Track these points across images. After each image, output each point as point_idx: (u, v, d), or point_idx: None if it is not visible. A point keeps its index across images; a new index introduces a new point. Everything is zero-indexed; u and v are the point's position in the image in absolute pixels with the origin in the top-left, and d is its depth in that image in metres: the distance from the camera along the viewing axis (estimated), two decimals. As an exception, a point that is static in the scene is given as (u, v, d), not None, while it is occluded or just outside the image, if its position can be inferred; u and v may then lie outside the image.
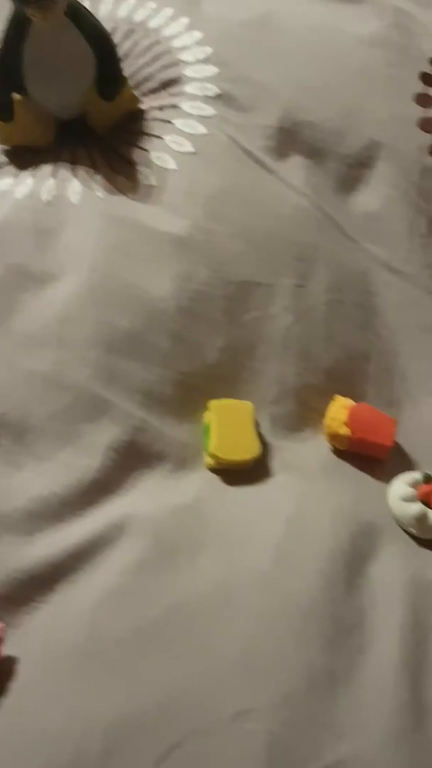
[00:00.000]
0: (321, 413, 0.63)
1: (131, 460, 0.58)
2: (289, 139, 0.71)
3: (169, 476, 0.59)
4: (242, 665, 0.48)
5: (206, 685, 0.47)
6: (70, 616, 0.50)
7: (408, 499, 0.57)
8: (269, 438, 0.62)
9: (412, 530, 0.57)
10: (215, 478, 0.59)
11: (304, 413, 0.64)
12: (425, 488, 0.58)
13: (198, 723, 0.45)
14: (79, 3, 0.68)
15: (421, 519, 0.57)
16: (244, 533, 0.55)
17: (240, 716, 0.45)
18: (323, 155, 0.72)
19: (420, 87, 0.74)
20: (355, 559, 0.54)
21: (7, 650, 0.49)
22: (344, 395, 0.64)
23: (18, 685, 0.47)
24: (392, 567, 0.55)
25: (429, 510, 0.57)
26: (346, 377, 0.65)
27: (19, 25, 0.66)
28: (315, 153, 0.72)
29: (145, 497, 0.57)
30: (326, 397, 0.64)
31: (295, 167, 0.71)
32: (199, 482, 0.59)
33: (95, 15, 0.71)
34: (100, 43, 0.68)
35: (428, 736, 0.47)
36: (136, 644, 0.49)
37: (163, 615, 0.50)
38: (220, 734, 0.45)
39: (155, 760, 0.44)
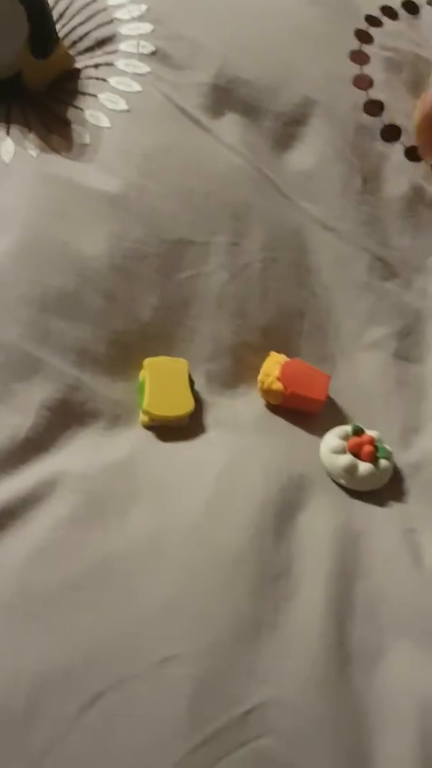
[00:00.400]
0: (256, 370, 0.63)
1: (64, 418, 0.58)
2: (224, 96, 0.71)
3: (102, 434, 0.59)
4: (169, 614, 0.49)
5: (132, 634, 0.47)
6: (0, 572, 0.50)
7: (338, 451, 0.58)
8: (204, 395, 0.62)
9: (343, 482, 0.58)
10: (149, 435, 0.59)
11: (239, 370, 0.64)
12: (355, 440, 0.59)
13: (123, 671, 0.46)
14: (8, -41, 0.66)
15: (350, 470, 0.57)
16: (176, 487, 0.55)
17: (165, 663, 0.46)
18: (258, 113, 0.71)
19: (355, 44, 0.74)
20: (284, 509, 0.55)
21: None
22: (279, 352, 0.64)
23: None
24: (321, 517, 0.55)
25: (359, 461, 0.58)
26: (281, 334, 0.66)
27: None
28: (250, 111, 0.71)
29: (78, 455, 0.57)
30: (261, 353, 0.64)
31: (230, 125, 0.71)
32: (133, 439, 0.59)
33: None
34: (32, 2, 0.67)
35: (350, 680, 0.48)
36: (64, 598, 0.49)
37: (92, 569, 0.50)
38: (144, 681, 0.45)
39: (79, 709, 0.44)
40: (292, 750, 0.44)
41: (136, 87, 0.70)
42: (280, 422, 0.62)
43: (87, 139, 0.68)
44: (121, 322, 0.62)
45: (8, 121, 0.69)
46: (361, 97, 0.73)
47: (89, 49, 0.73)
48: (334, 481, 0.58)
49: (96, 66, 0.72)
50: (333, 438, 0.59)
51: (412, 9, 0.78)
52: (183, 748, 0.43)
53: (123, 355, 0.62)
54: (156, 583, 0.50)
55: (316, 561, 0.53)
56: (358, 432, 0.60)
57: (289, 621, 0.49)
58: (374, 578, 0.53)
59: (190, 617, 0.49)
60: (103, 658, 0.46)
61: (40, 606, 0.49)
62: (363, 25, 0.75)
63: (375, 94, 0.73)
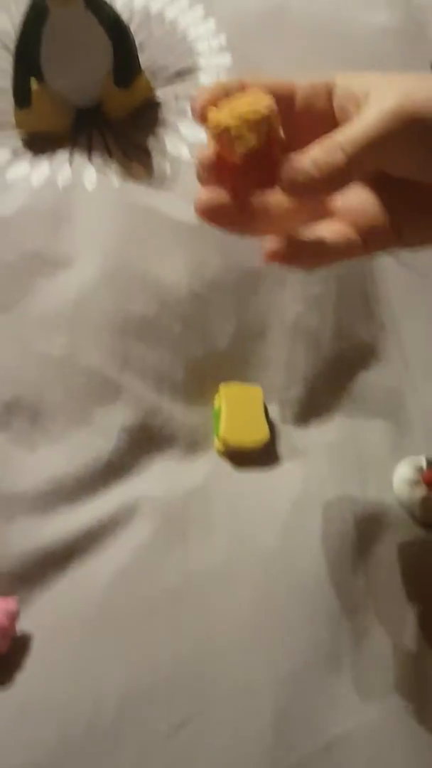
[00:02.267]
0: (329, 401, 0.64)
1: (143, 442, 0.60)
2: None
3: (179, 459, 0.61)
4: (249, 640, 0.50)
5: (214, 659, 0.49)
6: (83, 593, 0.52)
7: (413, 483, 0.59)
8: (278, 423, 0.63)
9: (416, 514, 0.58)
10: (224, 462, 0.61)
11: (312, 400, 0.65)
12: (430, 473, 0.59)
13: (206, 697, 0.47)
14: (97, -8, 0.68)
15: (425, 503, 0.58)
16: (252, 514, 0.57)
17: (247, 690, 0.47)
18: None
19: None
20: (360, 541, 0.56)
21: (22, 626, 0.50)
22: (349, 383, 0.65)
23: (32, 660, 0.49)
24: (396, 551, 0.56)
25: (433, 495, 0.58)
26: (352, 366, 0.66)
27: (37, 12, 0.66)
28: None
29: (157, 479, 0.59)
30: (334, 384, 0.65)
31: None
32: (209, 466, 0.60)
33: (112, 4, 0.72)
34: (117, 31, 0.69)
35: (430, 711, 0.48)
36: (146, 619, 0.50)
37: (173, 591, 0.52)
38: (227, 709, 0.47)
39: (166, 734, 0.45)
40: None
41: (216, 118, 0.71)
42: (352, 452, 0.62)
43: (167, 169, 0.70)
44: (199, 348, 0.63)
45: (90, 149, 0.71)
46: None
47: (169, 79, 0.75)
48: (408, 513, 0.59)
49: (176, 97, 0.74)
50: (406, 469, 0.60)
51: None
52: (266, 776, 0.44)
53: (199, 381, 0.63)
54: (235, 608, 0.51)
55: (392, 596, 0.53)
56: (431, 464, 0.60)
57: (368, 654, 0.50)
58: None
59: (269, 644, 0.50)
60: (186, 683, 0.48)
61: (122, 627, 0.50)
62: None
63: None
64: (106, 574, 0.53)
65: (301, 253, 0.40)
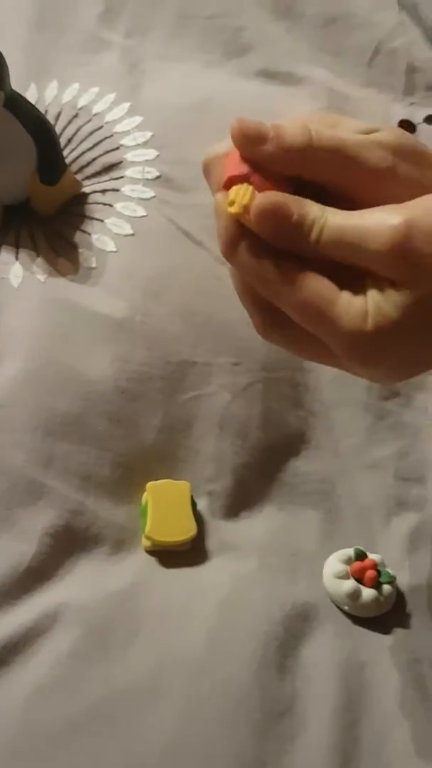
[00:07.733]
0: (259, 492, 0.64)
1: (67, 544, 0.59)
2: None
3: (106, 560, 0.59)
4: (171, 756, 0.48)
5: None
6: (2, 711, 0.50)
7: (341, 576, 0.58)
8: (207, 517, 0.63)
9: (346, 608, 0.58)
10: (152, 561, 0.60)
11: (240, 492, 0.64)
12: (358, 565, 0.59)
13: None
14: (18, 93, 0.70)
15: (354, 596, 0.57)
16: (178, 618, 0.55)
17: None
18: None
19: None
20: (288, 641, 0.55)
21: None
22: (279, 470, 0.65)
23: None
24: (326, 648, 0.55)
25: (362, 587, 0.58)
26: (282, 455, 0.66)
27: (-42, 116, 0.68)
28: None
29: (81, 583, 0.57)
30: (264, 474, 0.65)
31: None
32: (136, 566, 0.59)
33: (42, 99, 0.74)
34: (40, 131, 0.70)
35: None
36: (67, 738, 0.49)
37: (94, 707, 0.50)
38: None
39: None
40: None
41: (141, 211, 0.73)
42: (282, 545, 0.62)
43: (93, 263, 0.70)
44: (125, 444, 0.63)
45: (17, 246, 0.72)
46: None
47: (96, 174, 0.76)
48: (338, 608, 0.58)
49: (103, 191, 0.75)
50: (335, 562, 0.59)
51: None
52: None
53: (126, 477, 0.62)
54: (156, 724, 0.50)
55: (320, 697, 0.52)
56: (360, 556, 0.60)
57: (294, 762, 0.49)
58: (380, 712, 0.52)
59: (191, 758, 0.48)
60: None
61: (43, 746, 0.49)
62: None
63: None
64: (26, 690, 0.51)
65: None
